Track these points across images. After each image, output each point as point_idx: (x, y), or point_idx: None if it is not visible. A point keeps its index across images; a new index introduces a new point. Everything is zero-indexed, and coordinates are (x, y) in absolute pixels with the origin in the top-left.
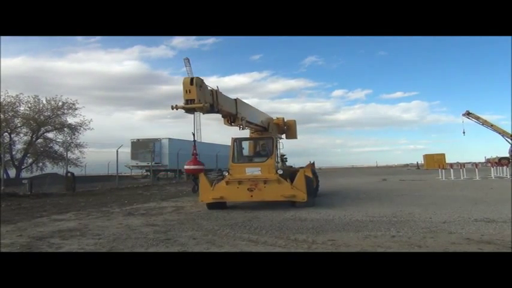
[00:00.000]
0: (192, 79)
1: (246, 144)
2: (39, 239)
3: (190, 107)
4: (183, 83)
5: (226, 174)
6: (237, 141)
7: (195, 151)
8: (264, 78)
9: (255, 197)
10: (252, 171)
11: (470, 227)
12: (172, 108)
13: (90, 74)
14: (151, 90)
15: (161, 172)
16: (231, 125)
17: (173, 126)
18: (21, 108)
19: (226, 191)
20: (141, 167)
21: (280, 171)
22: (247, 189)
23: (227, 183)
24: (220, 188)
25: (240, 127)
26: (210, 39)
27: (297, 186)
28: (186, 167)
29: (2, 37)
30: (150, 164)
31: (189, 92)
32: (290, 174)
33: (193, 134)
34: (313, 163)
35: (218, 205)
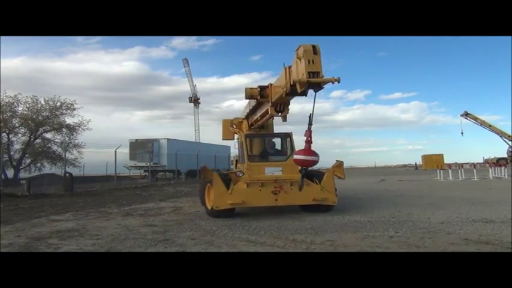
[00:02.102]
0: (314, 46)
1: (257, 142)
2: (37, 239)
3: (319, 81)
4: (305, 51)
5: (241, 175)
6: (250, 138)
7: (309, 137)
8: (264, 79)
9: (280, 200)
10: (272, 171)
11: (469, 228)
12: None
13: (90, 74)
14: (150, 90)
15: (160, 172)
16: (279, 115)
17: (172, 127)
18: (20, 109)
19: (247, 195)
20: (140, 168)
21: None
22: (271, 192)
23: (248, 185)
24: (240, 191)
25: (283, 118)
26: (210, 40)
27: (326, 188)
28: (296, 156)
29: (2, 37)
30: (148, 165)
31: (312, 62)
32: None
33: (310, 117)
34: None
35: (227, 212)
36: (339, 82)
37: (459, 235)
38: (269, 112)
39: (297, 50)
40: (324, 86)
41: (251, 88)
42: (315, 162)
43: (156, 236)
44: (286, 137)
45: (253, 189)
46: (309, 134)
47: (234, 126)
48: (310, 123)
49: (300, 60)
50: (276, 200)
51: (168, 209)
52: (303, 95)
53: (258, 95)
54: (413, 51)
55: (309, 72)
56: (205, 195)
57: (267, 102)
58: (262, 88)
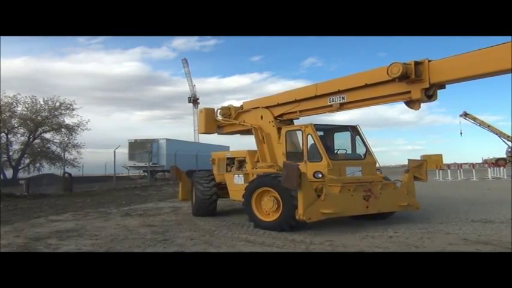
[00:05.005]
0: None
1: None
2: (37, 239)
3: None
4: None
5: (320, 176)
6: (326, 130)
7: None
8: (264, 79)
9: (371, 208)
10: (353, 171)
11: (468, 228)
12: None
13: (91, 74)
14: (151, 91)
15: (159, 173)
16: (429, 100)
17: (172, 127)
18: (19, 109)
19: (341, 202)
20: (139, 168)
21: (379, 172)
22: (362, 197)
23: (340, 189)
24: (334, 197)
25: (418, 106)
26: (211, 41)
27: (411, 193)
28: None
29: (4, 38)
30: (147, 165)
31: None
32: None
33: None
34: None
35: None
36: None
37: (458, 235)
38: (415, 97)
39: None
40: None
41: (404, 63)
42: None
43: (155, 236)
44: (353, 130)
45: (345, 194)
46: None
47: (221, 117)
48: None
49: None
50: (367, 207)
51: (167, 209)
52: None
53: (413, 73)
54: (413, 52)
55: None
56: (252, 203)
57: (409, 83)
58: (417, 64)
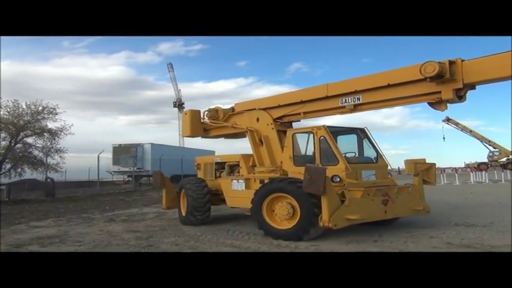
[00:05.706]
0: None
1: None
2: (18, 246)
3: None
4: None
5: (338, 180)
6: (332, 133)
7: None
8: (249, 84)
9: (389, 212)
10: (368, 175)
11: (451, 232)
12: None
13: (75, 79)
14: (136, 95)
15: (143, 177)
16: (460, 101)
17: (157, 132)
18: (0, 113)
19: (363, 207)
20: (123, 173)
21: (390, 176)
22: (381, 202)
23: (362, 194)
24: (358, 202)
25: (444, 107)
26: (197, 46)
27: (421, 196)
28: None
29: None
30: (132, 170)
31: None
32: None
33: None
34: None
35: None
36: None
37: (442, 239)
38: (446, 97)
39: None
40: None
41: (440, 62)
42: None
43: (139, 242)
44: (362, 132)
45: (366, 199)
46: None
47: (208, 119)
48: None
49: None
50: (386, 212)
51: (152, 215)
52: None
53: (448, 72)
54: (396, 58)
55: None
56: (263, 210)
57: (439, 83)
58: (451, 63)
